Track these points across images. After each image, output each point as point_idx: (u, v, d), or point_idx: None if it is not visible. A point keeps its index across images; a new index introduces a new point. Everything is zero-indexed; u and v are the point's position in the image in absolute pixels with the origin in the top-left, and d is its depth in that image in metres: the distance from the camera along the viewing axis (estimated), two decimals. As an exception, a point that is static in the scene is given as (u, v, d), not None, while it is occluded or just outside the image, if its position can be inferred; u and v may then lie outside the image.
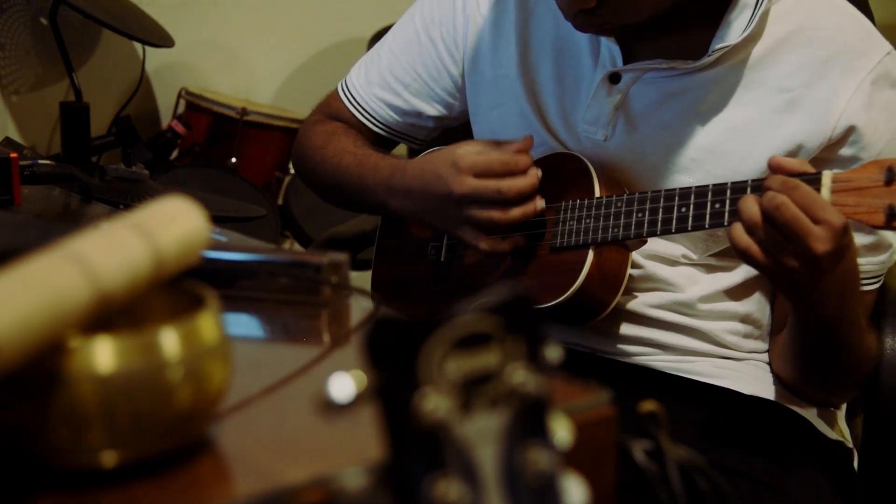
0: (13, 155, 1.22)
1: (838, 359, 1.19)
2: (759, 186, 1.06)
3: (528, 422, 0.47)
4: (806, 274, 1.03)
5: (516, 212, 1.23)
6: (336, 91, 1.51)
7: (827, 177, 1.02)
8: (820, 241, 1.00)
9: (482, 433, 0.46)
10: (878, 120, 1.17)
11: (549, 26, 1.32)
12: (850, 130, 1.17)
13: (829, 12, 1.22)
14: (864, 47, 1.19)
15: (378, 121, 1.47)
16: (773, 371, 1.29)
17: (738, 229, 1.04)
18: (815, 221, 1.00)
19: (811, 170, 1.04)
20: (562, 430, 0.47)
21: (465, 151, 1.25)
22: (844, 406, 1.35)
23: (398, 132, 1.48)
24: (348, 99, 1.48)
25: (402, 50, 1.44)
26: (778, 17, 1.20)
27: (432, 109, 1.44)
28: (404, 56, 1.43)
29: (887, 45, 1.20)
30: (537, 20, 1.33)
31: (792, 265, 1.02)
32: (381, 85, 1.45)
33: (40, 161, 1.32)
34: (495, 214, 1.23)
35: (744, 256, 1.05)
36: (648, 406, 0.67)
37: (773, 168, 1.05)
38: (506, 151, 1.24)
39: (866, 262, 1.21)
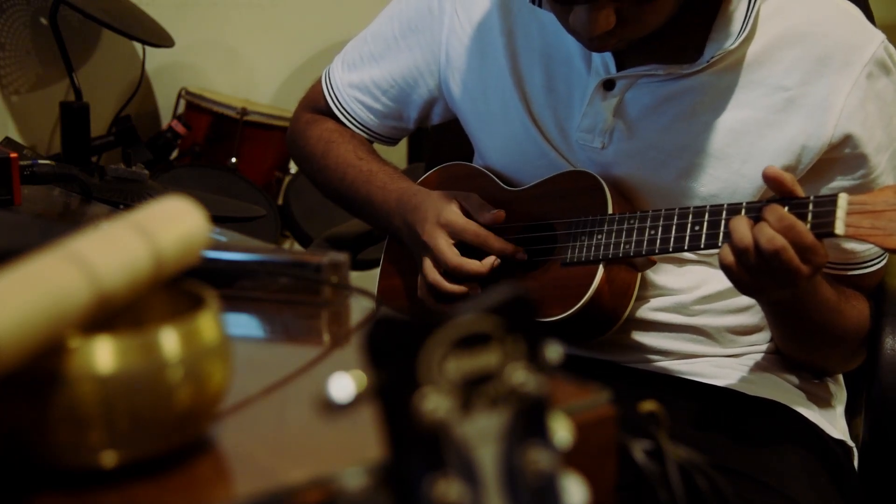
0: (13, 155, 1.22)
1: (814, 334, 1.24)
2: (753, 207, 1.09)
3: (528, 422, 0.47)
4: (779, 292, 1.12)
5: (451, 287, 1.30)
6: (320, 84, 1.51)
7: (843, 199, 1.03)
8: (805, 278, 1.07)
9: (482, 433, 0.46)
10: (872, 112, 1.18)
11: (534, 33, 1.30)
12: (848, 138, 1.18)
13: (820, 6, 1.21)
14: (859, 40, 1.19)
15: (359, 122, 1.48)
16: (772, 353, 1.31)
17: (726, 249, 1.08)
18: (805, 262, 1.05)
19: (800, 192, 1.07)
20: (562, 430, 0.47)
21: (451, 210, 1.30)
22: (844, 404, 1.35)
23: (378, 134, 1.49)
24: (332, 98, 1.48)
25: (381, 53, 1.44)
26: (769, 14, 1.19)
27: (411, 113, 1.45)
28: (383, 61, 1.43)
29: (880, 35, 1.20)
30: (522, 28, 1.31)
31: (769, 286, 1.09)
32: (360, 88, 1.46)
33: (40, 161, 1.32)
34: (432, 275, 1.30)
35: (727, 272, 1.09)
36: (648, 406, 0.67)
37: (769, 178, 1.06)
38: (486, 213, 1.30)
39: (869, 248, 1.23)
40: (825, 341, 1.25)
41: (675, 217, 1.15)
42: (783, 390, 1.28)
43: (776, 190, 1.07)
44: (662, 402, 0.70)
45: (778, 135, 1.19)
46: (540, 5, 1.22)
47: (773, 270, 1.05)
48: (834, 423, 1.30)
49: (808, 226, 1.04)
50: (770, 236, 1.04)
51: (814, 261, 1.05)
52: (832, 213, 1.03)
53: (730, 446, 1.21)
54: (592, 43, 1.16)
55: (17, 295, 0.54)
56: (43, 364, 0.56)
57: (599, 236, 1.21)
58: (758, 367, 1.30)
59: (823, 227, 1.04)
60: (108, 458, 0.59)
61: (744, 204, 1.10)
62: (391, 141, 1.52)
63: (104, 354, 0.58)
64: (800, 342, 1.27)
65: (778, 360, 1.31)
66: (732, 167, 1.20)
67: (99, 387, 0.57)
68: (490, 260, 1.28)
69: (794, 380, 1.31)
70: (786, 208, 1.06)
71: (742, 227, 1.06)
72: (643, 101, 1.24)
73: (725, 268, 1.08)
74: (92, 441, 0.58)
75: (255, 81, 3.04)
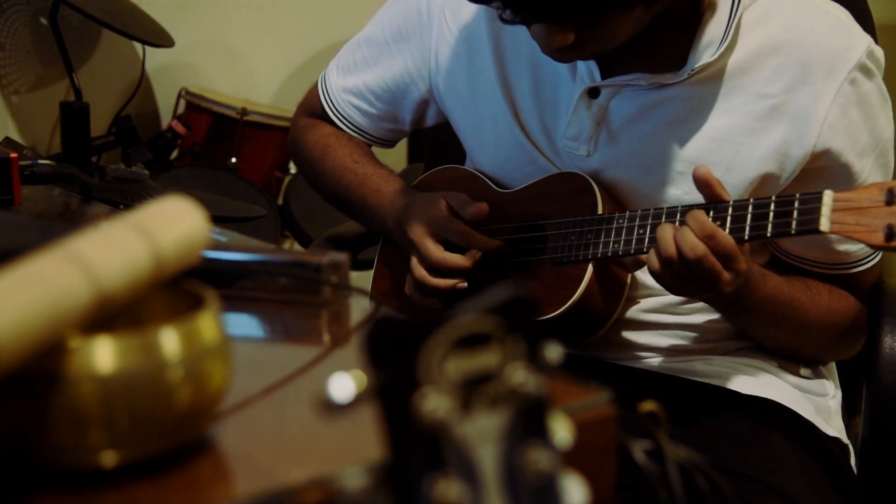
0: (13, 155, 1.22)
1: (767, 326, 1.27)
2: (739, 205, 1.10)
3: (528, 422, 0.47)
4: (704, 297, 1.20)
5: (435, 282, 1.30)
6: (317, 88, 1.52)
7: (828, 196, 1.04)
8: (728, 284, 1.10)
9: (482, 433, 0.46)
10: (856, 117, 1.18)
11: (522, 40, 1.29)
12: (830, 149, 1.18)
13: (805, 13, 1.21)
14: (842, 46, 1.18)
15: (355, 126, 1.48)
16: (766, 352, 1.31)
17: (653, 255, 1.12)
18: (727, 269, 1.09)
19: (726, 197, 1.10)
20: (562, 430, 0.47)
21: (437, 208, 1.31)
22: (840, 402, 1.35)
23: (374, 137, 1.49)
24: (328, 103, 1.49)
25: (373, 58, 1.44)
26: (753, 21, 1.19)
27: (406, 116, 1.45)
28: (376, 66, 1.44)
29: (865, 39, 1.20)
30: (509, 34, 1.31)
31: (695, 291, 1.15)
32: (355, 93, 1.46)
33: (40, 161, 1.32)
34: (418, 271, 1.31)
35: (653, 276, 1.14)
36: (648, 406, 0.67)
37: (698, 178, 1.10)
38: (469, 209, 1.29)
39: (860, 248, 1.23)
40: (782, 332, 1.27)
41: (664, 216, 1.16)
42: (778, 388, 1.28)
43: (704, 192, 1.10)
44: (661, 401, 0.70)
45: (761, 142, 1.19)
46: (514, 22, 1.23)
47: (696, 275, 1.09)
48: (829, 420, 1.30)
49: (794, 223, 1.05)
50: (692, 244, 1.07)
51: (734, 267, 1.09)
52: (817, 210, 1.03)
53: (729, 446, 1.21)
54: (553, 55, 1.17)
55: (17, 295, 0.54)
56: (43, 364, 0.56)
57: (589, 236, 1.22)
58: (753, 366, 1.30)
59: (809, 224, 1.04)
60: (108, 458, 0.59)
61: (731, 202, 1.11)
62: (388, 143, 1.52)
63: (104, 354, 0.58)
64: (755, 335, 1.30)
65: (773, 358, 1.32)
66: (716, 175, 1.20)
67: (99, 387, 0.57)
68: (472, 253, 1.29)
69: (790, 378, 1.31)
70: (729, 211, 1.09)
71: (667, 234, 1.10)
72: (627, 109, 1.24)
73: (652, 273, 1.13)
74: (92, 441, 0.58)
75: (255, 81, 3.04)
